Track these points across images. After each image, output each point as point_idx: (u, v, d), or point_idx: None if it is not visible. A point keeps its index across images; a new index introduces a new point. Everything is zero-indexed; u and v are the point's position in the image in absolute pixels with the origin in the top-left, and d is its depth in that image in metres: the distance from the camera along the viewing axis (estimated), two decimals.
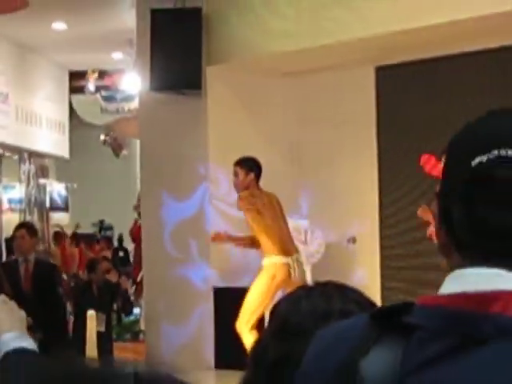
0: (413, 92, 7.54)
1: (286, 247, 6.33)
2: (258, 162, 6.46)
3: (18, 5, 8.80)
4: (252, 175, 6.34)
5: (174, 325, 7.58)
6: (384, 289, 7.26)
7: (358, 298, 1.39)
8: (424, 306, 0.96)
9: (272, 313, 1.42)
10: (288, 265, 6.29)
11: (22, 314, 1.73)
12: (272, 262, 6.27)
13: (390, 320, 0.96)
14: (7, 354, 1.61)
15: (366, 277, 7.47)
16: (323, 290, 1.41)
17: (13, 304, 1.74)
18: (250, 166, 6.36)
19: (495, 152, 0.94)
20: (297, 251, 6.45)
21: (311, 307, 1.34)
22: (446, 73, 7.35)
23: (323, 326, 1.17)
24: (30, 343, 1.66)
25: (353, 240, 7.51)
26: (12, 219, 11.13)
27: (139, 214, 11.36)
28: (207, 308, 6.98)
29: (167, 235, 7.87)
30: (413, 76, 7.60)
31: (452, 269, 0.98)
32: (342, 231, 7.80)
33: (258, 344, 1.37)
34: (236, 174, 6.38)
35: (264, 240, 6.19)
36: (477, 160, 0.94)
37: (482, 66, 7.19)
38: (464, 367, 0.88)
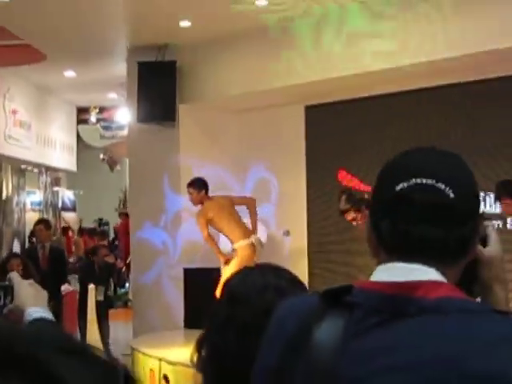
0: (333, 125, 8.43)
1: (244, 232, 7.10)
2: (204, 181, 7.25)
3: (38, 57, 9.55)
4: (203, 192, 7.13)
5: (153, 295, 8.39)
6: (312, 271, 8.06)
7: (288, 277, 1.59)
8: (362, 289, 1.13)
9: (224, 285, 1.62)
10: (251, 243, 7.13)
11: (44, 293, 1.91)
12: (239, 246, 7.02)
13: (335, 299, 1.13)
14: (30, 323, 1.79)
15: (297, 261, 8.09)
16: (262, 269, 1.63)
17: (37, 286, 1.93)
18: (199, 185, 7.15)
19: (413, 180, 1.11)
20: (254, 233, 7.23)
21: (252, 282, 1.53)
22: (359, 110, 8.18)
23: (261, 297, 1.45)
24: (48, 315, 1.85)
25: (287, 233, 8.40)
26: (33, 217, 12.02)
27: (119, 215, 13.08)
28: (179, 286, 7.84)
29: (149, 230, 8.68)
30: (334, 113, 8.48)
31: (380, 263, 1.18)
32: (279, 226, 8.69)
33: (212, 309, 1.53)
34: (190, 193, 7.18)
35: (227, 233, 7.03)
36: (399, 186, 1.12)
37: (387, 107, 7.95)
38: (393, 334, 1.06)
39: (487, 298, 1.35)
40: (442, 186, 1.12)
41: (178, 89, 8.47)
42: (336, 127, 8.29)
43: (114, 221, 14.17)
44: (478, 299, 1.31)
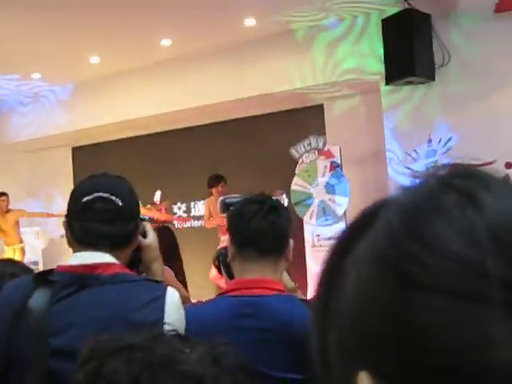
0: (97, 162, 9.41)
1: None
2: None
3: None
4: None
5: None
6: None
7: (25, 267, 2.18)
8: (59, 271, 1.55)
9: None
10: None
11: None
12: None
13: (42, 278, 1.52)
14: None
15: None
16: (11, 262, 2.31)
17: None
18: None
19: (95, 194, 1.57)
20: None
21: (0, 271, 2.04)
22: (120, 150, 9.67)
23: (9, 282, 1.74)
24: None
25: None
26: None
27: None
28: None
29: None
30: (97, 153, 9.97)
31: (74, 252, 1.62)
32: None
33: None
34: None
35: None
36: (85, 198, 1.56)
37: (142, 146, 9.47)
38: (80, 298, 1.49)
39: (148, 272, 1.78)
40: (114, 198, 1.58)
41: None
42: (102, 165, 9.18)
43: None
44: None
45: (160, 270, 1.81)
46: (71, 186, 9.33)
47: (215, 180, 7.91)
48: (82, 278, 1.54)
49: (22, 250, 9.35)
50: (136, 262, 1.75)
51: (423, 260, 0.43)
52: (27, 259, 9.14)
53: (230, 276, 2.09)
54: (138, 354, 0.78)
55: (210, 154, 9.02)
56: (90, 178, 1.68)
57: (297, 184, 7.88)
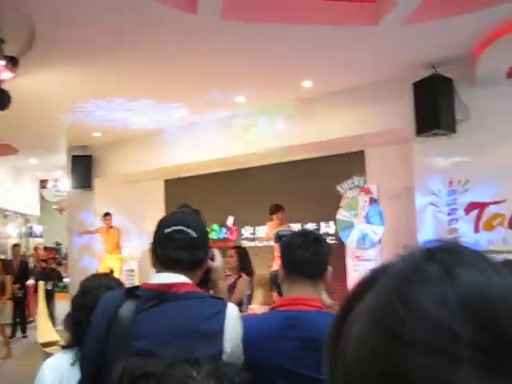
0: (184, 191, 10.95)
1: None
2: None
3: (14, 151, 12.78)
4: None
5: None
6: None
7: (117, 281, 2.44)
8: (144, 288, 1.74)
9: (80, 285, 2.38)
10: None
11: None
12: None
13: (131, 292, 1.71)
14: None
15: None
16: (106, 276, 2.51)
17: None
18: None
19: (173, 227, 1.77)
20: None
21: (98, 284, 2.32)
22: (205, 183, 10.99)
23: (104, 293, 1.96)
24: None
25: None
26: (12, 242, 15.71)
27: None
28: None
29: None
30: (184, 185, 11.39)
31: (156, 272, 1.83)
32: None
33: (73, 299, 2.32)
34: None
35: None
36: (167, 230, 1.78)
37: (219, 181, 10.76)
38: (159, 310, 1.66)
39: (215, 290, 1.97)
40: (189, 230, 1.78)
41: (93, 169, 11.98)
42: (187, 193, 10.71)
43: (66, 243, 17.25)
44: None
45: (224, 288, 2.04)
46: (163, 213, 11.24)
47: (275, 209, 9.39)
48: (162, 294, 1.74)
49: (121, 259, 10.95)
50: (206, 281, 1.96)
51: (407, 321, 0.50)
52: (126, 267, 10.79)
53: (280, 293, 2.30)
54: (154, 383, 0.83)
55: (272, 189, 10.38)
56: (171, 214, 1.95)
57: (341, 214, 9.24)
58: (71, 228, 11.47)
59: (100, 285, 2.34)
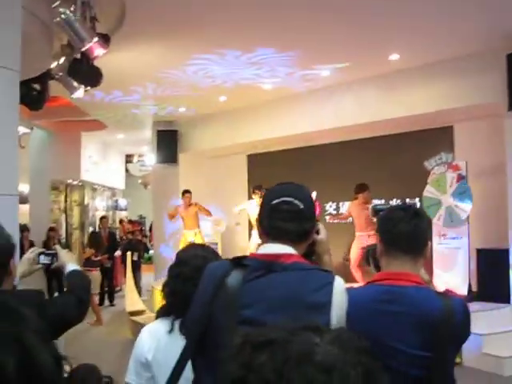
0: (267, 166, 11.04)
1: None
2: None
3: (102, 127, 13.28)
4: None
5: (163, 258, 11.20)
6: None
7: (213, 251, 2.45)
8: (251, 257, 1.76)
9: (177, 255, 2.45)
10: None
11: (75, 256, 2.59)
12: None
13: (237, 262, 1.73)
14: (69, 272, 2.53)
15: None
16: (201, 247, 2.51)
17: (71, 253, 2.66)
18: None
19: (281, 198, 1.77)
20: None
21: (194, 254, 2.39)
22: (287, 158, 10.96)
23: (201, 263, 2.09)
24: (78, 267, 2.53)
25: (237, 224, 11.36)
26: (100, 214, 16.63)
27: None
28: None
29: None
30: (267, 159, 11.39)
31: (263, 243, 1.82)
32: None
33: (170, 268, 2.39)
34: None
35: None
36: (274, 201, 1.78)
37: (303, 155, 10.64)
38: (266, 280, 1.66)
39: (320, 263, 1.94)
40: (296, 201, 1.77)
41: (178, 144, 12.24)
42: (271, 169, 10.87)
43: (149, 215, 18.21)
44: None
45: (329, 260, 2.01)
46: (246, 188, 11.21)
47: (361, 188, 9.31)
48: (269, 264, 1.74)
49: (200, 234, 11.11)
50: (310, 253, 1.94)
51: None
52: (207, 241, 10.85)
53: (377, 268, 2.29)
54: (279, 350, 0.83)
55: (355, 165, 10.31)
56: (278, 185, 1.90)
57: (428, 191, 9.02)
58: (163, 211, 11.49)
59: (196, 255, 2.37)
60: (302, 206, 1.79)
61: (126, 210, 19.96)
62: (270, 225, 1.81)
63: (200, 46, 7.70)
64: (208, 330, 1.67)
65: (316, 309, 1.62)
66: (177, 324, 2.31)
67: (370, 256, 2.42)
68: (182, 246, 9.73)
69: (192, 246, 2.57)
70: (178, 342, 2.02)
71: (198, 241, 10.10)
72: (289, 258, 1.75)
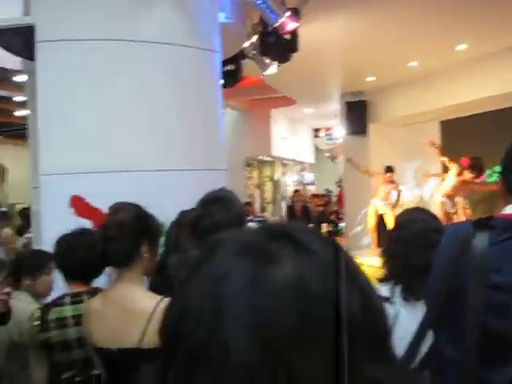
0: (461, 133, 10.55)
1: None
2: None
3: (291, 102, 13.40)
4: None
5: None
6: None
7: (431, 213, 2.46)
8: (498, 218, 1.57)
9: (396, 219, 2.51)
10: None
11: None
12: None
13: (482, 223, 1.57)
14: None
15: None
16: (419, 210, 2.57)
17: None
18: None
19: None
20: None
21: (413, 218, 2.39)
22: (479, 123, 10.43)
23: (420, 227, 2.26)
24: None
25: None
26: (291, 189, 16.83)
27: (338, 186, 16.34)
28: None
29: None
30: (462, 125, 10.79)
31: (507, 203, 1.58)
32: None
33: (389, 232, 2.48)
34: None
35: None
36: None
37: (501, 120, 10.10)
38: None
39: None
40: None
41: (367, 115, 12.06)
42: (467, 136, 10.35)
43: (335, 190, 18.52)
44: None
45: None
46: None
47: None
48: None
49: (393, 207, 10.49)
50: None
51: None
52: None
53: None
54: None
55: None
56: None
57: None
58: (349, 159, 11.12)
59: (415, 218, 2.33)
60: None
61: (313, 184, 20.05)
62: None
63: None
64: (451, 296, 1.55)
65: None
66: (397, 290, 2.27)
67: None
68: (370, 215, 10.02)
69: (411, 210, 2.54)
70: (398, 308, 2.03)
71: (390, 213, 9.87)
72: None
